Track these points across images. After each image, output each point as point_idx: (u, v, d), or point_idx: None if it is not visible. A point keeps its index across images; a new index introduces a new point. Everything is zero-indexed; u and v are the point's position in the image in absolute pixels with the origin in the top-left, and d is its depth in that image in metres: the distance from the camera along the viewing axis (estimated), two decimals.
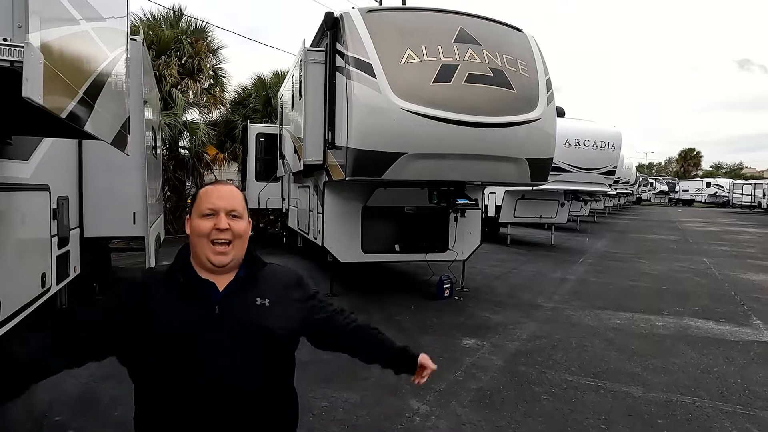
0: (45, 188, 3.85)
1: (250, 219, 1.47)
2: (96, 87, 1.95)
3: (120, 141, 2.64)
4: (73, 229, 4.73)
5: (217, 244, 1.35)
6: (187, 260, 1.41)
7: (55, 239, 4.05)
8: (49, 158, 3.89)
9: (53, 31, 1.37)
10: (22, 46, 1.15)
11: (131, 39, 3.57)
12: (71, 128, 2.13)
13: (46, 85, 1.24)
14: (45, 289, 3.75)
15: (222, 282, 1.41)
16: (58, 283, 4.15)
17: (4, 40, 1.16)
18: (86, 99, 1.79)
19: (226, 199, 1.39)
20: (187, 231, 1.43)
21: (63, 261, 4.27)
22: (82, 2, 1.81)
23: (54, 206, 4.05)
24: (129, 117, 2.89)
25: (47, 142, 3.83)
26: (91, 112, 1.88)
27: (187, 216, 1.45)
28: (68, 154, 4.74)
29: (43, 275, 3.73)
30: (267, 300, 1.43)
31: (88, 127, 1.88)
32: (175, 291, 1.36)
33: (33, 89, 1.16)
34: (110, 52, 2.25)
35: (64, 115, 1.49)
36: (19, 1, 1.16)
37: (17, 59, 1.15)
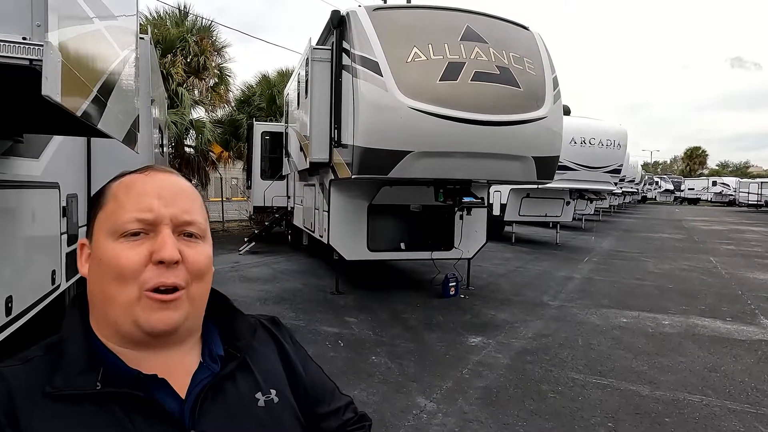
0: (55, 186, 3.88)
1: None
2: (108, 85, 1.96)
3: (130, 139, 2.67)
4: (82, 226, 4.76)
5: (158, 292, 0.68)
6: (89, 331, 0.71)
7: (64, 237, 4.08)
8: (58, 156, 3.92)
9: (70, 29, 1.38)
10: (42, 45, 1.17)
11: (140, 38, 3.59)
12: (83, 126, 2.15)
13: (63, 84, 1.25)
14: (55, 286, 3.79)
15: (176, 374, 0.72)
16: (67, 281, 4.18)
17: (24, 38, 1.17)
18: (99, 97, 1.80)
19: (173, 198, 0.72)
20: (82, 270, 0.75)
21: (72, 258, 4.31)
22: (96, 1, 1.83)
23: (63, 204, 4.08)
24: (138, 115, 2.92)
25: (57, 141, 3.86)
26: (103, 111, 1.90)
27: (82, 240, 0.76)
28: (77, 153, 4.77)
29: (53, 272, 3.76)
30: (273, 391, 0.78)
31: (100, 126, 1.90)
32: (83, 409, 0.64)
33: (52, 87, 1.17)
34: (121, 51, 2.27)
35: (79, 113, 1.51)
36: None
37: (36, 58, 1.17)
